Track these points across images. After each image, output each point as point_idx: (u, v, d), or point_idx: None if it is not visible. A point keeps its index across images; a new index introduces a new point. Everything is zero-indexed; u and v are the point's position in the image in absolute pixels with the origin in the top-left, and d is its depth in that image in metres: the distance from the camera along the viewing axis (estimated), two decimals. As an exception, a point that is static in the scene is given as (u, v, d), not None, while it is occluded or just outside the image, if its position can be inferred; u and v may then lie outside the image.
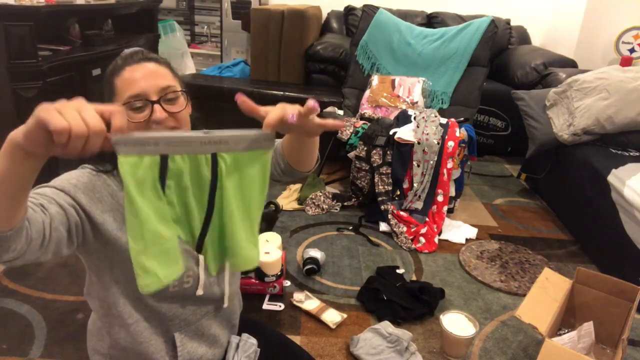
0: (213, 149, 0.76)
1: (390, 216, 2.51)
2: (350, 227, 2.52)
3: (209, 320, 1.06)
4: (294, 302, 1.87)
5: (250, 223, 0.83)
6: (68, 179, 0.90)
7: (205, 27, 4.82)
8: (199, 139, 0.74)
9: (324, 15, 4.08)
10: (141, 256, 0.74)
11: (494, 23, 3.18)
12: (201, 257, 0.92)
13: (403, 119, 2.72)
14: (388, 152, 2.57)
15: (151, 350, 1.00)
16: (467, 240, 2.48)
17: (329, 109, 3.06)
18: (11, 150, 0.64)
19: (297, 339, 1.70)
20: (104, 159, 0.93)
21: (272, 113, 0.77)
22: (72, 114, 0.60)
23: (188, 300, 1.01)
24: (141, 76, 0.90)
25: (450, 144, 2.53)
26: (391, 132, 2.61)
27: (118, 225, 0.91)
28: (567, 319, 1.79)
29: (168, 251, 0.77)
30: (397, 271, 2.12)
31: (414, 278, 2.13)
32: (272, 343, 1.18)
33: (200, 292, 0.98)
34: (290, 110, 0.78)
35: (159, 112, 0.89)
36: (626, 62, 3.45)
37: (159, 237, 0.75)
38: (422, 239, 2.39)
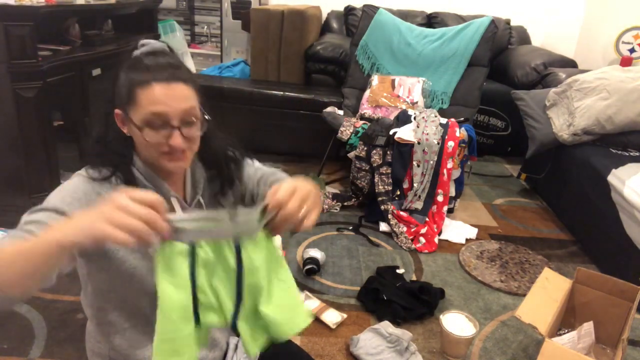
0: (236, 236, 0.77)
1: (390, 216, 2.51)
2: (350, 227, 2.52)
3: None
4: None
5: (284, 284, 0.82)
6: (63, 197, 0.88)
7: (205, 27, 4.82)
8: (228, 231, 0.75)
9: (324, 15, 4.08)
10: (159, 346, 0.75)
11: (494, 23, 3.18)
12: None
13: (403, 119, 2.72)
14: (388, 152, 2.57)
15: (149, 355, 1.00)
16: (467, 240, 2.48)
17: (329, 109, 3.06)
18: (57, 252, 0.69)
19: (297, 339, 1.70)
20: (102, 164, 0.92)
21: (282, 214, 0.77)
22: (125, 221, 0.64)
23: None
24: (168, 98, 0.87)
25: (450, 144, 2.53)
26: (391, 132, 2.61)
27: (126, 249, 0.90)
28: (567, 319, 1.79)
29: (183, 341, 0.77)
30: (397, 271, 2.12)
31: (414, 278, 2.13)
32: (272, 343, 1.18)
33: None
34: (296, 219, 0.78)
35: (177, 139, 0.88)
36: (626, 62, 3.45)
37: (177, 330, 0.75)
38: (422, 239, 2.39)
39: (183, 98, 0.89)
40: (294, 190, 0.78)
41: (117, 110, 0.92)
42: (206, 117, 0.94)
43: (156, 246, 0.72)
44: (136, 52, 0.94)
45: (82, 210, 0.82)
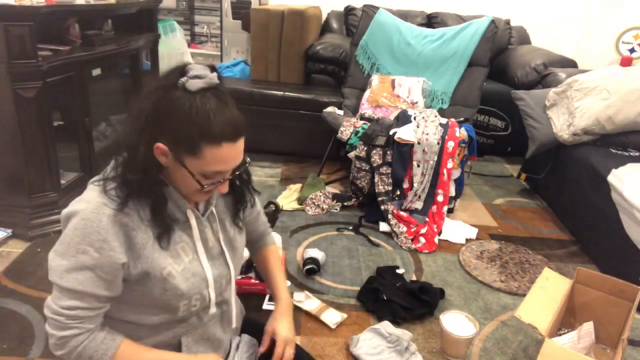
0: None
1: (390, 216, 2.51)
2: (350, 227, 2.52)
3: (215, 324, 1.07)
4: (294, 302, 1.87)
5: None
6: (94, 232, 0.85)
7: (205, 27, 4.81)
8: None
9: (324, 15, 4.08)
10: None
11: (494, 23, 3.18)
12: (210, 277, 0.99)
13: (403, 119, 2.72)
14: (388, 152, 2.57)
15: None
16: (467, 240, 2.48)
17: (329, 109, 3.06)
18: None
19: (297, 339, 1.69)
20: (134, 184, 0.89)
21: None
22: None
23: (195, 317, 1.03)
24: (233, 158, 0.89)
25: (450, 144, 2.53)
26: (391, 132, 2.61)
27: (131, 255, 0.91)
28: (567, 319, 1.79)
29: None
30: (397, 271, 2.12)
31: (414, 278, 2.13)
32: (272, 343, 1.18)
33: (212, 309, 1.03)
34: None
35: (225, 188, 0.93)
36: (626, 62, 3.45)
37: None
38: (422, 239, 2.39)
39: (240, 154, 0.91)
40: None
41: (162, 145, 0.87)
42: (247, 160, 0.97)
43: None
44: (185, 82, 0.85)
45: (124, 252, 0.88)
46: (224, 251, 1.05)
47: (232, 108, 0.89)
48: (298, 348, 1.25)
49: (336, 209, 2.70)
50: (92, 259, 0.86)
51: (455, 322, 1.69)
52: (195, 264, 0.98)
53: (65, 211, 0.89)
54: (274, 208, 2.40)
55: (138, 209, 0.90)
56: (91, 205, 0.86)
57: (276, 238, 2.05)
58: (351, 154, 2.70)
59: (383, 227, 2.52)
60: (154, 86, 0.87)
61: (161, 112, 0.85)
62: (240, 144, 0.89)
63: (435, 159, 2.53)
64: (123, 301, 0.94)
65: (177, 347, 1.02)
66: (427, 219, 2.54)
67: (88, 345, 0.90)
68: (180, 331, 1.01)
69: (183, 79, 0.85)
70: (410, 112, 2.78)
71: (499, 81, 3.68)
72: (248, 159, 0.98)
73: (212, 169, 0.88)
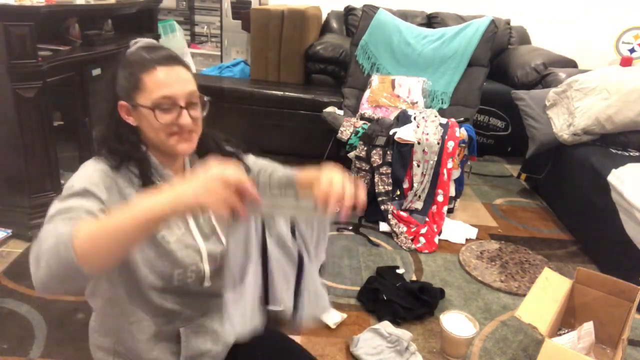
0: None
1: (390, 216, 2.51)
2: (350, 227, 2.52)
3: (212, 315, 1.07)
4: (294, 302, 1.87)
5: None
6: (90, 177, 0.90)
7: (205, 27, 4.81)
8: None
9: (324, 15, 4.08)
10: None
11: (494, 23, 3.18)
12: (204, 251, 0.98)
13: (403, 119, 2.72)
14: (388, 152, 2.57)
15: (156, 345, 1.01)
16: (467, 240, 2.48)
17: (329, 109, 3.06)
18: (150, 225, 0.73)
19: (297, 339, 1.69)
20: (117, 154, 0.95)
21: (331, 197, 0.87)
22: (224, 194, 0.72)
23: (192, 295, 1.02)
24: (174, 80, 0.94)
25: (450, 144, 2.53)
26: (391, 132, 2.60)
27: None
28: (567, 319, 1.79)
29: None
30: (397, 271, 2.12)
31: (414, 278, 2.13)
32: (273, 342, 1.18)
33: (207, 283, 1.01)
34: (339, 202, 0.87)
35: (186, 118, 0.94)
36: (626, 62, 3.45)
37: None
38: (422, 239, 2.39)
39: (186, 80, 0.95)
40: (330, 180, 0.90)
41: (121, 102, 0.95)
42: (206, 99, 0.99)
43: (242, 219, 0.79)
44: (130, 49, 0.97)
45: (107, 192, 0.88)
46: (215, 228, 1.05)
47: (165, 49, 0.98)
48: (300, 347, 1.25)
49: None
50: (90, 191, 0.88)
51: (455, 322, 1.69)
52: (189, 237, 0.99)
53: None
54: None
55: (130, 176, 0.95)
56: (87, 167, 0.94)
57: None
58: (351, 154, 2.70)
59: (383, 227, 2.52)
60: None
61: (114, 76, 0.97)
62: (180, 70, 0.95)
63: (435, 159, 2.53)
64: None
65: (176, 339, 1.02)
66: (427, 219, 2.54)
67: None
68: (178, 323, 1.01)
69: (129, 50, 0.97)
70: (410, 112, 2.78)
71: (499, 81, 3.67)
72: (206, 97, 0.99)
73: (159, 95, 0.92)
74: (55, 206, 0.83)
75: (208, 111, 0.99)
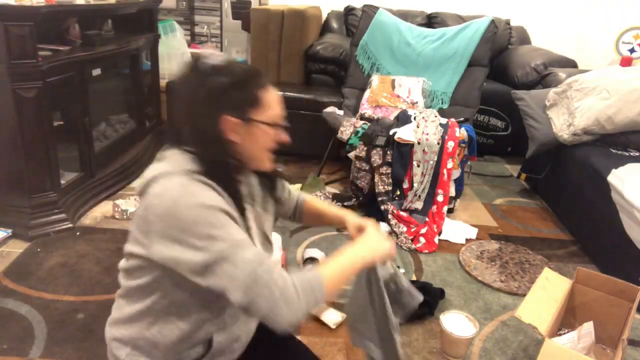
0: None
1: (390, 216, 2.51)
2: (350, 227, 2.51)
3: (242, 322, 1.04)
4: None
5: None
6: (211, 197, 0.87)
7: (205, 27, 4.81)
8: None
9: (324, 15, 4.08)
10: None
11: (494, 23, 3.18)
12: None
13: (403, 119, 2.72)
14: (388, 152, 2.57)
15: (185, 347, 0.98)
16: (467, 240, 2.48)
17: (329, 109, 3.06)
18: (361, 269, 1.01)
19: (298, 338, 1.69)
20: (222, 167, 0.93)
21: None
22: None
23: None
24: (279, 101, 0.98)
25: (450, 144, 2.53)
26: (391, 132, 2.61)
27: None
28: (567, 319, 1.79)
29: None
30: (397, 271, 2.12)
31: (414, 278, 2.13)
32: (278, 340, 1.17)
33: None
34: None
35: (286, 136, 0.99)
36: (626, 62, 3.46)
37: None
38: (422, 239, 2.39)
39: None
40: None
41: (229, 118, 0.90)
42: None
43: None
44: (207, 64, 0.91)
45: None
46: (265, 233, 1.06)
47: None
48: (300, 346, 1.25)
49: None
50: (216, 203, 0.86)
51: (455, 322, 1.69)
52: (254, 240, 0.99)
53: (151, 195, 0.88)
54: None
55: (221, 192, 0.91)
56: (199, 188, 0.87)
57: (276, 238, 2.05)
58: (351, 154, 2.70)
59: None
60: (185, 79, 0.93)
61: (210, 90, 0.90)
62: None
63: (435, 159, 2.53)
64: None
65: (208, 344, 0.99)
66: (427, 219, 2.54)
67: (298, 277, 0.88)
68: (212, 328, 0.98)
69: (199, 63, 0.92)
70: (410, 112, 2.78)
71: (499, 81, 3.68)
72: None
73: (276, 112, 0.96)
74: (219, 245, 0.82)
75: None
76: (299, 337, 1.71)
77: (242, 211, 0.94)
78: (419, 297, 1.17)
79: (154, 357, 0.98)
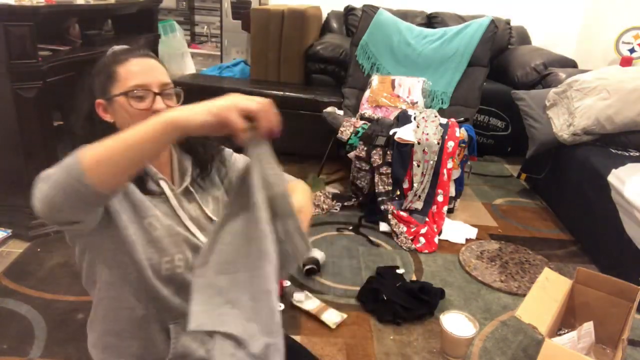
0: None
1: (390, 216, 2.51)
2: (350, 227, 2.52)
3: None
4: (294, 302, 1.87)
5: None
6: None
7: (205, 27, 4.81)
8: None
9: (324, 15, 4.08)
10: None
11: (494, 23, 3.18)
12: (198, 240, 0.99)
13: (403, 119, 2.72)
14: (388, 152, 2.57)
15: (145, 339, 1.00)
16: (467, 240, 2.48)
17: (329, 109, 3.06)
18: (168, 135, 0.71)
19: (297, 339, 1.70)
20: None
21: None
22: (235, 119, 0.71)
23: (182, 288, 0.99)
24: (147, 69, 0.97)
25: (450, 144, 2.53)
26: (391, 132, 2.61)
27: (128, 216, 0.93)
28: (567, 319, 1.79)
29: None
30: (397, 271, 2.12)
31: (414, 278, 2.13)
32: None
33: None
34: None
35: (160, 103, 0.95)
36: (626, 62, 3.45)
37: None
38: (422, 239, 2.39)
39: (160, 71, 0.98)
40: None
41: (98, 101, 0.98)
42: (178, 88, 1.01)
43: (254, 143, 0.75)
44: (106, 54, 1.02)
45: None
46: (212, 220, 1.04)
47: (141, 47, 1.03)
48: (299, 347, 1.25)
49: (336, 209, 2.70)
50: None
51: (455, 322, 1.69)
52: (179, 228, 0.98)
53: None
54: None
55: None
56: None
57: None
58: (351, 154, 2.70)
59: (383, 227, 2.52)
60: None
61: (88, 85, 1.02)
62: (153, 62, 0.99)
63: (435, 159, 2.53)
64: (108, 248, 0.95)
65: (166, 335, 1.00)
66: (427, 219, 2.54)
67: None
68: (169, 317, 1.00)
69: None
70: (410, 112, 2.78)
71: (499, 81, 3.67)
72: (179, 87, 1.01)
73: (133, 83, 0.94)
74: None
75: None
76: (299, 337, 1.71)
77: (148, 193, 0.96)
78: (305, 246, 0.82)
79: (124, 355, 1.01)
